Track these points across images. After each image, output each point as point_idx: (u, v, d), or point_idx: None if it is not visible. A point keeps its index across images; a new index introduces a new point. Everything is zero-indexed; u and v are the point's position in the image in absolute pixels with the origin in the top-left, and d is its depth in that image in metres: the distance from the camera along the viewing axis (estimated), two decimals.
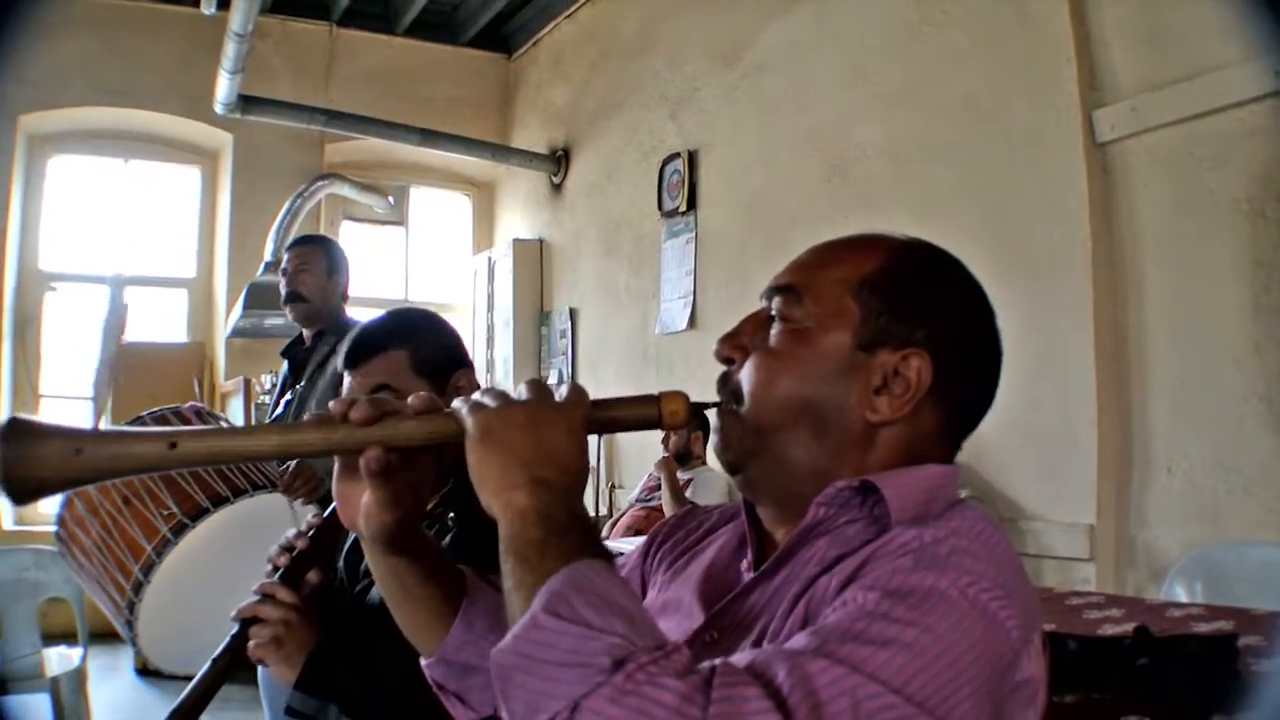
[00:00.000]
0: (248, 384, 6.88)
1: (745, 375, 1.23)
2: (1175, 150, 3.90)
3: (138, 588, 2.85)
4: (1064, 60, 4.20)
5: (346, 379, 2.17)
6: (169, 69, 8.09)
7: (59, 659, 4.45)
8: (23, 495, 1.10)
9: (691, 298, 6.60)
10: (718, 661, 0.91)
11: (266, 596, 1.94)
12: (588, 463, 1.12)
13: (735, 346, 1.25)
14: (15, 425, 1.10)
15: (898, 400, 1.19)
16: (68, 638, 4.62)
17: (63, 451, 1.10)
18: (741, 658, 0.94)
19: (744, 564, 1.29)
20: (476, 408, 1.11)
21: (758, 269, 5.97)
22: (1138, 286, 4.03)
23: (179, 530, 2.87)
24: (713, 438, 1.27)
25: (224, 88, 7.14)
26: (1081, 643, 1.99)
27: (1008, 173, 4.48)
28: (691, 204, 6.69)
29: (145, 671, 6.43)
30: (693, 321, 6.57)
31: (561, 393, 1.14)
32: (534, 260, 8.56)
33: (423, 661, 1.38)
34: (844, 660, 0.90)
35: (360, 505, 1.22)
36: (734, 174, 6.40)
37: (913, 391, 1.18)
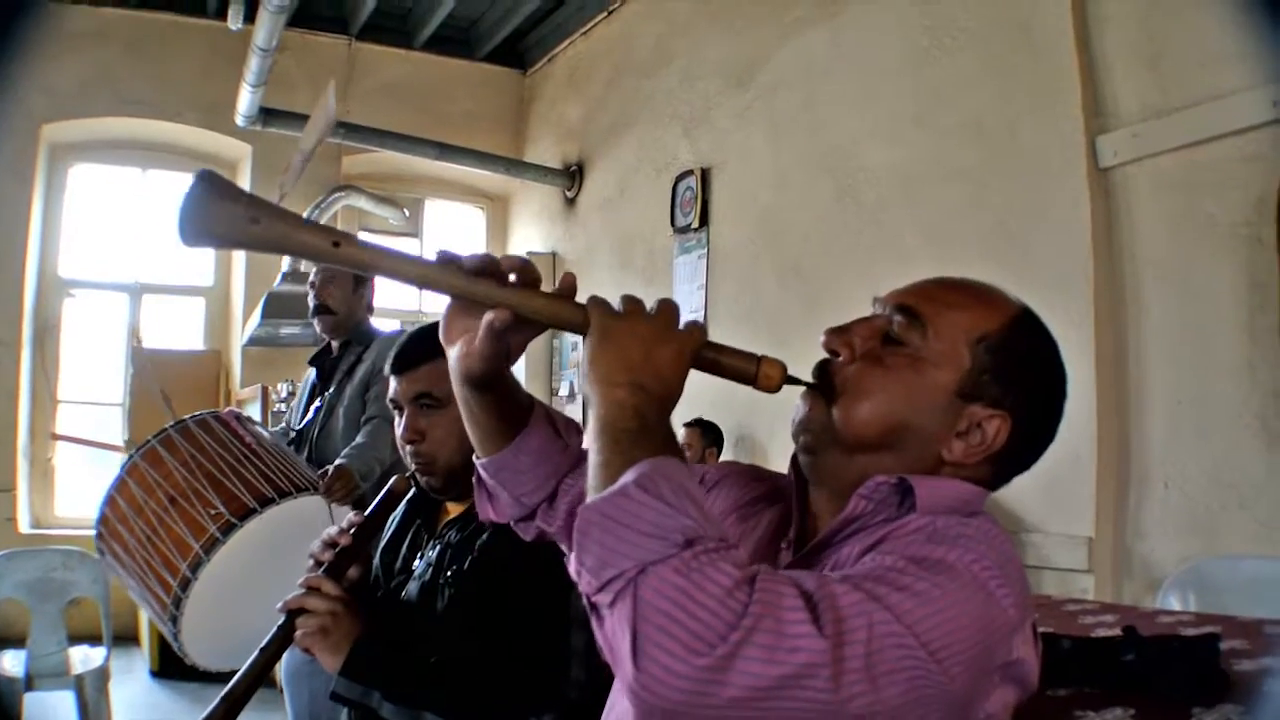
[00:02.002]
0: (265, 392, 6.96)
1: (854, 378, 1.32)
2: (1176, 175, 3.99)
3: (185, 585, 2.94)
4: (1069, 87, 4.29)
5: (393, 383, 2.29)
6: (189, 80, 8.20)
7: (83, 658, 4.56)
8: (193, 239, 1.20)
9: (703, 313, 6.66)
10: (762, 566, 1.03)
11: (312, 589, 2.07)
12: (682, 386, 1.24)
13: (845, 343, 1.35)
14: (209, 177, 1.21)
15: (972, 450, 1.31)
16: (89, 638, 4.73)
17: (243, 215, 1.21)
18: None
19: (784, 544, 1.40)
20: (606, 309, 1.26)
21: (769, 286, 6.09)
22: (1137, 307, 4.12)
23: (228, 529, 2.97)
24: (795, 415, 1.36)
25: (246, 100, 7.26)
26: (1074, 642, 2.10)
27: (1013, 195, 4.56)
28: (704, 221, 6.77)
29: (160, 674, 6.53)
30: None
31: (683, 322, 1.27)
32: (547, 273, 8.44)
33: (474, 456, 1.53)
34: (865, 591, 1.04)
35: (460, 342, 1.36)
36: (746, 192, 6.48)
37: (986, 447, 1.31)
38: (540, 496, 1.52)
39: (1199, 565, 3.44)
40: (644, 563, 0.99)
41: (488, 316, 1.28)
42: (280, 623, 2.05)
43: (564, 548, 1.54)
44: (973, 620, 1.07)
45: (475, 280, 1.27)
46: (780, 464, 1.55)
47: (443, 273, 1.28)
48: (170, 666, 6.52)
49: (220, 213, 1.20)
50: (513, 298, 1.27)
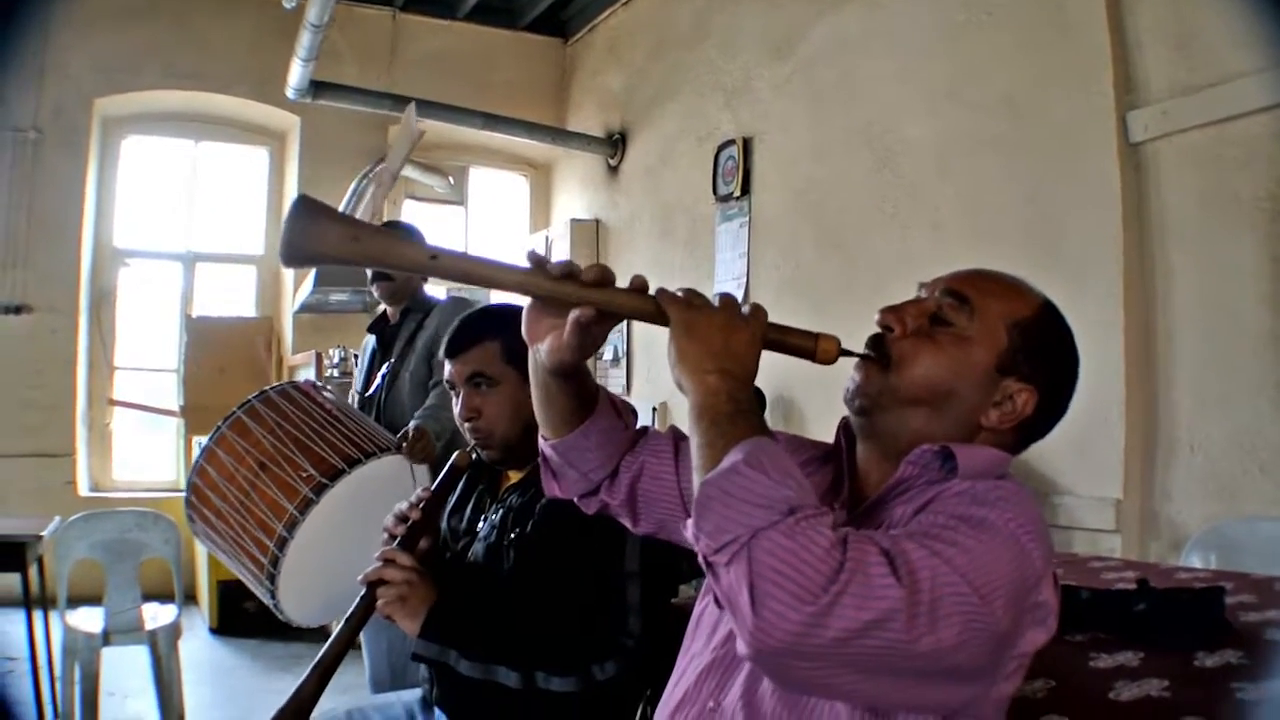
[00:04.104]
0: (319, 358, 7.10)
1: (909, 351, 1.52)
2: (1203, 151, 4.07)
3: (282, 544, 3.12)
4: (1101, 64, 4.38)
5: (447, 366, 2.50)
6: (240, 53, 8.35)
7: (154, 615, 4.76)
8: (297, 261, 1.36)
9: (745, 279, 6.77)
10: (849, 529, 1.22)
11: (389, 562, 2.28)
12: (758, 365, 1.44)
13: (898, 319, 1.55)
14: (307, 202, 1.35)
15: (1005, 417, 1.52)
16: (159, 596, 4.93)
17: (343, 235, 1.36)
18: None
19: (836, 504, 1.58)
20: (681, 303, 1.46)
21: (809, 253, 6.21)
22: (1165, 278, 4.22)
23: (319, 490, 3.15)
24: (850, 382, 1.56)
25: (296, 74, 7.42)
26: (1092, 593, 2.28)
27: (1046, 169, 4.65)
28: (745, 189, 6.85)
29: (218, 631, 6.77)
30: (746, 302, 6.63)
31: (746, 309, 1.47)
32: (590, 240, 8.72)
33: (540, 437, 1.75)
34: (926, 547, 1.23)
35: (547, 337, 1.56)
36: (787, 162, 6.56)
37: (1017, 415, 1.53)
38: (604, 473, 1.74)
39: (1220, 526, 3.57)
40: (756, 528, 1.17)
41: (574, 314, 1.48)
42: (362, 594, 2.27)
43: (625, 521, 1.79)
44: (1011, 568, 1.27)
45: (564, 283, 1.44)
46: (818, 428, 1.74)
47: (537, 279, 1.44)
48: (228, 624, 6.79)
49: (323, 233, 1.35)
50: (597, 296, 1.45)
